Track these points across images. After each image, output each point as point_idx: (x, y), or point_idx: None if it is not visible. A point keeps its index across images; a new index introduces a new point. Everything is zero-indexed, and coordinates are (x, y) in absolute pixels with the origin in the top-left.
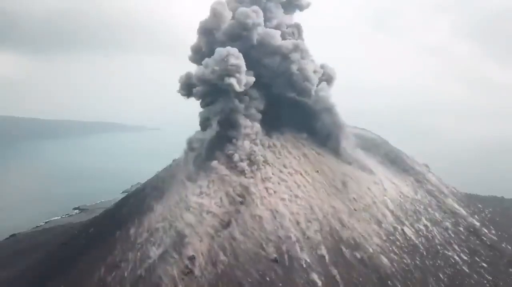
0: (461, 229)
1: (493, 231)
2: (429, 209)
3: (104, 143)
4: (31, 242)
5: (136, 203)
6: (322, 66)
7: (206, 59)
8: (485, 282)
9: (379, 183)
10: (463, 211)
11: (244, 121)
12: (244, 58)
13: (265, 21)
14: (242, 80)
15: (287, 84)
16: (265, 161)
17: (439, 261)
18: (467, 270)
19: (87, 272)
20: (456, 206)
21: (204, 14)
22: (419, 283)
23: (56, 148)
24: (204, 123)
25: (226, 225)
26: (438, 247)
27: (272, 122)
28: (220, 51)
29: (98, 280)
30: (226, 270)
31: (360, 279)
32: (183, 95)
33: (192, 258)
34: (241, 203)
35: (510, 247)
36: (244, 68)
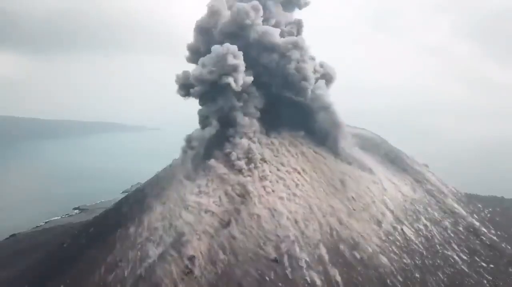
0: (461, 229)
1: (493, 231)
2: (429, 209)
3: (104, 143)
4: (31, 242)
5: (136, 203)
6: (321, 65)
7: (203, 58)
8: (485, 282)
9: (378, 183)
10: (462, 211)
11: (242, 120)
12: (243, 56)
13: (263, 19)
14: (240, 79)
15: (285, 84)
16: (263, 159)
17: (438, 261)
18: (466, 270)
19: (87, 272)
20: (456, 205)
21: (203, 13)
22: (418, 283)
23: (56, 148)
24: (203, 121)
25: (226, 224)
26: (438, 246)
27: (271, 121)
28: (217, 48)
29: (98, 279)
30: (226, 270)
31: (360, 278)
32: (181, 95)
33: (192, 258)
34: (242, 202)
35: (510, 247)
36: (242, 66)
